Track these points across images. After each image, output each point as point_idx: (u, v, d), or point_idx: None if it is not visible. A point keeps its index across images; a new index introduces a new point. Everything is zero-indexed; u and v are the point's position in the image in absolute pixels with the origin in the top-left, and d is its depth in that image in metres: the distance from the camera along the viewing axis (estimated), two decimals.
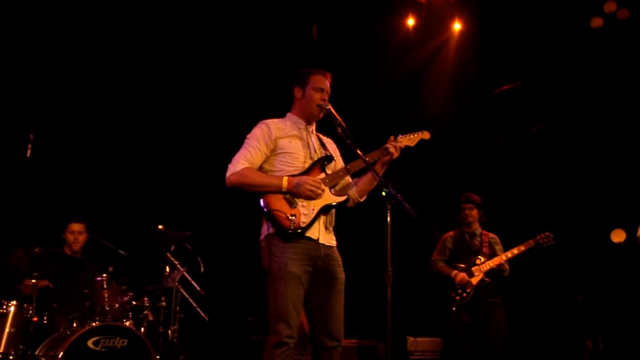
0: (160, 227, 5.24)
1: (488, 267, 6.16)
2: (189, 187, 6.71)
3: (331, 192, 3.84)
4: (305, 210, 3.69)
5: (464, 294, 6.15)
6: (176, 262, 5.34)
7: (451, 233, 6.64)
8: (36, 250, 4.70)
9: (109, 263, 5.43)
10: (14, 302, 4.70)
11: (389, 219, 3.47)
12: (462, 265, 6.29)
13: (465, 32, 8.23)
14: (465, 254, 6.38)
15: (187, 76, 7.13)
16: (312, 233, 3.72)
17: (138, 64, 6.85)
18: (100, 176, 6.66)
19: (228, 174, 3.77)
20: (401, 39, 8.37)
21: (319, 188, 3.71)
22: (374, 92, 8.39)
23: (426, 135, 4.18)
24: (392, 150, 3.93)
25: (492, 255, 6.30)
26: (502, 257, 6.17)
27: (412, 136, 4.12)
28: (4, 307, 4.68)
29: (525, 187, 8.01)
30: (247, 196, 3.73)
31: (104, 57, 6.58)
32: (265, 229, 3.73)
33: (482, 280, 6.14)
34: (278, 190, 3.70)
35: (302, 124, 4.03)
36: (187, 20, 6.98)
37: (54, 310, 5.07)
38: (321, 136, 4.16)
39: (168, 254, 5.34)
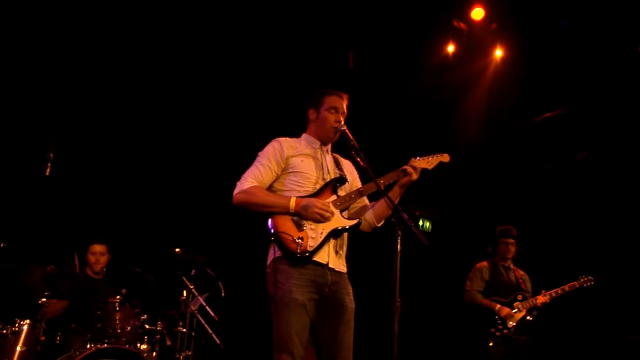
0: (177, 250, 5.15)
1: (532, 304, 6.08)
2: (209, 210, 6.61)
3: (342, 215, 3.65)
4: (314, 234, 3.52)
5: (505, 330, 5.98)
6: (191, 287, 5.23)
7: (485, 264, 6.45)
8: (49, 269, 4.66)
9: (132, 286, 5.37)
10: (28, 321, 4.65)
11: (399, 246, 3.24)
12: (501, 300, 6.13)
13: (506, 59, 8.00)
14: (504, 289, 6.24)
15: (214, 100, 7.08)
16: (320, 257, 3.54)
17: (161, 86, 6.83)
18: (119, 197, 6.64)
19: (235, 191, 3.64)
20: (440, 65, 8.19)
21: (327, 211, 3.53)
22: (411, 119, 8.22)
23: (446, 158, 3.96)
24: (410, 171, 3.73)
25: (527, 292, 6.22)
26: (546, 297, 6.10)
27: (430, 158, 3.91)
28: (17, 325, 4.63)
29: (566, 219, 7.68)
30: (258, 218, 3.60)
31: (127, 78, 6.59)
32: (272, 253, 3.57)
33: (524, 317, 6.04)
34: (285, 212, 3.53)
35: (317, 143, 3.88)
36: (220, 44, 6.96)
37: (71, 330, 5.02)
38: (338, 157, 4.00)
39: (184, 278, 5.24)
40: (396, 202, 3.70)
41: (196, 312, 5.41)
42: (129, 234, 6.35)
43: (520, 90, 7.87)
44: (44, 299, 4.61)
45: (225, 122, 7.09)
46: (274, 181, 3.74)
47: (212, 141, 7.02)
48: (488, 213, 8.06)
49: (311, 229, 3.53)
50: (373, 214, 3.82)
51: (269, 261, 3.61)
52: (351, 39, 7.78)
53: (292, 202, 3.54)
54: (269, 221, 3.55)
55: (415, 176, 3.74)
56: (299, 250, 3.45)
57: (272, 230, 3.51)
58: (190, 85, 6.94)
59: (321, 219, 3.52)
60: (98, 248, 5.71)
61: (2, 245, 4.52)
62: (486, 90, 8.19)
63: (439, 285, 7.73)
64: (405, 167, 3.76)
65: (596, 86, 7.47)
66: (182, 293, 5.29)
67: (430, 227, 9.33)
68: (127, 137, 6.78)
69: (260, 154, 3.78)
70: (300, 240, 3.47)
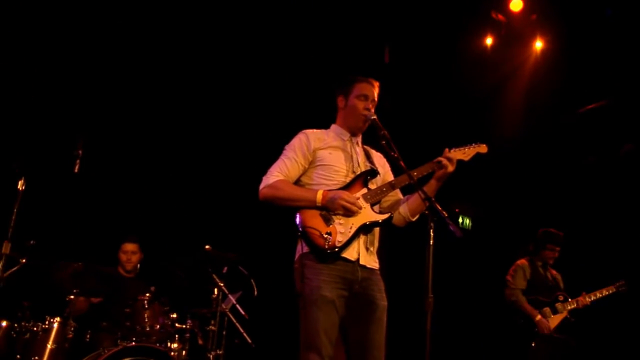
0: (207, 247, 5.06)
1: (573, 306, 6.09)
2: (241, 206, 6.50)
3: (373, 209, 3.50)
4: (343, 229, 3.36)
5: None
6: (221, 284, 5.14)
7: (525, 262, 6.36)
8: (77, 265, 4.62)
9: (163, 284, 5.33)
10: (58, 319, 4.62)
11: (431, 239, 3.05)
12: (543, 299, 6.09)
13: (547, 50, 7.77)
14: (544, 288, 6.20)
15: (245, 95, 7.01)
16: (349, 254, 3.39)
17: (189, 82, 6.79)
18: (149, 194, 6.60)
19: (261, 186, 3.51)
20: (479, 58, 8.01)
21: (354, 204, 3.37)
22: (450, 114, 8.04)
23: (483, 148, 3.75)
24: (445, 163, 3.53)
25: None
26: (587, 299, 6.12)
27: (466, 149, 3.71)
28: (47, 323, 4.60)
29: (609, 215, 7.40)
30: (289, 213, 3.47)
31: (157, 73, 6.56)
32: (300, 249, 3.43)
33: (566, 318, 6.04)
34: (312, 205, 3.39)
35: (347, 135, 3.72)
36: (251, 45, 6.90)
37: (102, 328, 4.98)
38: (369, 149, 3.83)
39: (214, 276, 5.15)
40: (433, 196, 3.50)
41: (227, 310, 5.31)
42: (160, 232, 6.31)
43: (562, 82, 7.66)
44: (71, 296, 4.57)
45: (255, 116, 7.01)
46: (302, 175, 3.60)
47: (241, 136, 6.94)
48: (529, 209, 7.85)
49: (340, 223, 3.38)
50: (407, 208, 3.64)
51: (296, 257, 3.48)
52: (387, 33, 7.69)
53: (319, 195, 3.39)
54: (297, 216, 3.42)
55: (451, 168, 3.55)
56: (327, 246, 3.31)
57: (299, 226, 3.38)
58: (221, 80, 6.88)
59: (348, 211, 3.37)
60: (130, 247, 5.69)
61: (32, 242, 4.50)
62: (526, 83, 8.02)
63: (478, 282, 7.51)
64: (439, 158, 3.57)
65: None
66: (214, 291, 5.19)
67: (470, 224, 9.14)
68: (157, 133, 6.75)
69: (286, 147, 3.65)
70: (328, 236, 3.32)
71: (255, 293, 5.45)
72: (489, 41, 7.89)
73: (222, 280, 5.22)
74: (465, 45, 7.85)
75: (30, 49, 5.75)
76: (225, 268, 5.41)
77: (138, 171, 6.60)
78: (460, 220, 9.10)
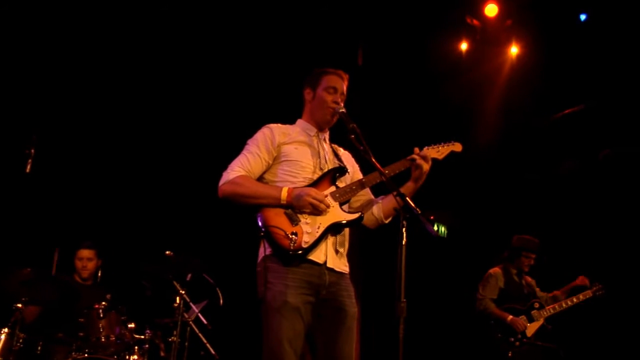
0: (168, 252, 4.78)
1: (549, 312, 5.98)
2: (203, 207, 6.23)
3: (342, 208, 3.26)
4: (309, 229, 3.12)
5: (524, 339, 5.83)
6: (182, 292, 4.85)
7: (498, 270, 6.25)
8: (26, 271, 4.31)
9: (125, 292, 5.03)
10: (5, 330, 4.29)
11: (404, 238, 2.81)
12: (519, 307, 5.97)
13: (523, 56, 7.71)
14: (519, 296, 6.10)
15: (203, 93, 6.76)
16: (316, 256, 3.14)
17: (147, 79, 6.53)
18: (107, 196, 6.29)
19: (221, 182, 3.26)
20: (454, 62, 7.92)
21: (322, 202, 3.13)
22: (424, 119, 7.92)
23: (458, 147, 3.58)
24: (419, 161, 3.33)
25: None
26: (563, 304, 6.04)
27: (440, 148, 3.53)
28: None
29: (586, 221, 7.30)
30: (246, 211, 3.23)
31: (113, 69, 6.29)
32: (262, 251, 3.17)
33: (543, 326, 5.94)
34: (277, 203, 3.15)
35: (313, 130, 3.49)
36: (226, 42, 6.67)
37: (55, 340, 4.66)
38: (337, 147, 3.60)
39: (175, 283, 4.86)
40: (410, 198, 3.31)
41: (191, 321, 5.02)
42: (118, 236, 5.99)
43: (538, 87, 7.61)
44: (19, 304, 4.25)
45: (221, 114, 6.76)
46: (265, 172, 3.36)
47: (204, 132, 6.68)
48: (506, 216, 7.72)
49: (307, 223, 3.14)
50: (381, 209, 3.42)
51: (259, 259, 3.22)
52: (361, 35, 7.56)
53: (284, 193, 3.15)
54: (259, 215, 3.16)
55: (426, 166, 3.35)
56: (292, 247, 3.06)
57: (262, 225, 3.13)
58: (179, 78, 6.63)
59: (316, 210, 3.13)
60: (85, 253, 5.38)
61: None
62: (502, 88, 7.95)
63: (454, 291, 7.35)
64: (413, 155, 3.36)
65: (619, 79, 7.11)
66: (176, 300, 4.89)
67: (445, 232, 9.00)
68: (114, 131, 6.45)
69: (249, 141, 3.40)
70: (293, 236, 3.07)
71: (221, 302, 5.17)
72: (464, 46, 7.86)
73: (185, 288, 4.92)
74: (440, 50, 7.79)
75: None
76: (190, 275, 5.12)
77: (95, 171, 6.28)
78: (435, 228, 8.95)
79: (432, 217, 8.86)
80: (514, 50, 7.70)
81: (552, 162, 7.77)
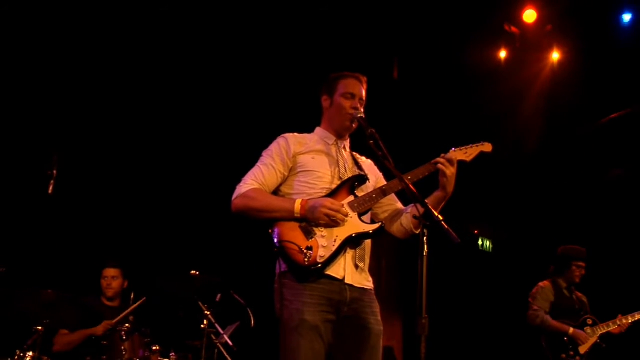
0: (193, 272, 4.66)
1: (604, 330, 5.67)
2: (229, 225, 6.13)
3: (361, 219, 3.05)
4: (325, 242, 2.92)
5: (577, 357, 5.52)
6: (207, 312, 4.70)
7: (548, 284, 5.91)
8: (47, 293, 4.23)
9: (151, 315, 4.93)
10: (30, 354, 4.20)
11: (425, 247, 2.60)
12: (571, 323, 5.66)
13: (564, 61, 7.45)
14: (570, 312, 5.77)
15: (230, 115, 6.68)
16: (334, 271, 2.94)
17: (172, 100, 6.51)
18: (129, 215, 6.22)
19: (234, 196, 3.10)
20: (492, 72, 7.72)
21: (339, 212, 2.94)
22: (464, 131, 7.69)
23: (487, 147, 3.30)
24: (440, 165, 3.09)
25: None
26: (618, 322, 5.68)
27: (468, 149, 3.26)
28: (17, 357, 4.18)
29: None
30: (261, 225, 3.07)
31: (136, 90, 6.28)
32: (278, 267, 3.00)
33: (597, 344, 5.61)
34: (291, 217, 2.96)
35: (332, 138, 3.30)
36: (260, 59, 6.60)
37: None
38: (358, 156, 3.40)
39: (200, 303, 4.73)
40: (438, 209, 3.08)
41: (219, 343, 4.87)
42: (142, 256, 5.91)
43: (582, 92, 7.33)
44: (39, 327, 4.18)
45: (246, 132, 6.68)
46: (282, 184, 3.19)
47: (228, 153, 6.59)
48: (553, 228, 7.40)
49: (323, 236, 2.94)
50: (410, 219, 3.18)
51: (276, 276, 3.05)
52: (396, 47, 7.40)
53: (297, 205, 2.97)
54: (274, 230, 2.98)
55: (450, 170, 3.09)
56: (307, 263, 2.87)
57: (276, 241, 2.95)
58: (201, 98, 6.59)
59: (331, 221, 2.94)
60: (110, 272, 5.29)
61: (1, 269, 4.15)
62: (544, 95, 7.71)
63: (496, 307, 7.05)
64: (437, 159, 3.13)
65: None
66: (203, 321, 4.77)
67: (491, 246, 8.72)
68: (135, 150, 6.42)
69: (263, 152, 3.24)
70: (308, 251, 2.89)
71: (253, 323, 5.02)
72: (502, 54, 7.63)
73: (213, 309, 4.79)
74: (478, 59, 7.60)
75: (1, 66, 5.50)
76: (219, 295, 5.00)
77: (117, 191, 6.24)
78: (480, 242, 8.68)
79: (475, 232, 8.60)
80: (555, 55, 7.47)
81: (599, 170, 7.44)
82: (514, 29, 7.45)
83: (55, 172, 4.13)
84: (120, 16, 5.76)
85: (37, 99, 5.69)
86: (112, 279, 5.29)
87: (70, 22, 5.59)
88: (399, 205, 3.35)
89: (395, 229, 3.26)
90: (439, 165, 3.10)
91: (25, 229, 5.32)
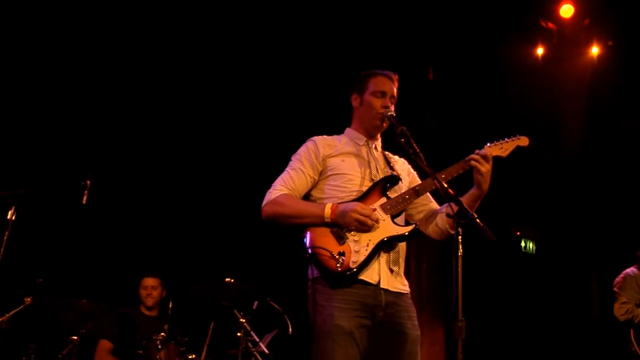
0: (228, 279, 4.61)
1: None
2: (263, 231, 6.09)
3: (394, 221, 2.95)
4: (358, 247, 2.85)
5: None
6: (243, 321, 4.65)
7: (635, 270, 5.46)
8: (83, 303, 4.24)
9: (189, 324, 4.90)
10: None
11: (460, 248, 2.49)
12: None
13: (604, 56, 7.22)
14: None
15: (269, 122, 6.65)
16: (368, 276, 2.85)
17: (204, 108, 6.49)
18: (165, 225, 6.22)
19: (264, 203, 3.04)
20: (530, 70, 7.53)
21: (369, 217, 2.85)
22: (502, 131, 7.50)
23: (524, 141, 3.18)
24: (476, 162, 2.97)
25: None
26: None
27: (504, 144, 3.15)
28: None
29: None
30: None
31: (170, 103, 6.29)
32: (310, 273, 2.94)
33: None
34: (321, 222, 2.89)
35: (362, 139, 3.22)
36: (291, 62, 6.56)
37: None
38: (390, 155, 3.31)
39: (235, 311, 4.68)
40: (474, 208, 2.98)
41: (256, 352, 4.81)
42: (180, 265, 5.90)
43: (624, 87, 7.04)
44: (74, 337, 4.19)
45: (281, 141, 6.66)
46: (312, 188, 3.12)
47: (261, 158, 6.56)
48: (598, 230, 7.17)
49: (355, 241, 2.86)
50: (446, 218, 3.07)
51: (308, 282, 2.98)
52: (431, 48, 7.30)
53: (327, 210, 2.89)
54: (305, 235, 2.91)
55: (485, 167, 2.97)
56: (339, 269, 2.79)
57: (308, 247, 2.87)
58: (232, 105, 6.55)
59: (362, 226, 2.85)
60: (150, 281, 5.31)
61: (39, 280, 4.18)
62: (584, 91, 7.43)
63: (538, 310, 6.85)
64: (471, 156, 3.02)
65: None
66: (240, 329, 4.71)
67: (534, 248, 8.51)
68: (170, 160, 6.41)
69: (292, 157, 3.18)
70: (340, 256, 2.81)
71: (290, 331, 4.94)
72: (540, 51, 7.42)
73: (250, 316, 4.73)
74: (514, 58, 7.40)
75: (38, 78, 5.55)
76: (256, 303, 4.94)
77: (151, 201, 6.24)
78: (522, 244, 8.47)
79: (518, 234, 8.40)
80: (594, 50, 7.24)
81: None
82: (550, 24, 7.22)
83: (89, 182, 4.14)
84: (151, 32, 5.79)
85: (69, 108, 5.74)
86: (152, 288, 5.30)
87: (102, 38, 5.64)
88: (434, 205, 3.25)
89: (431, 229, 3.17)
90: (473, 162, 3.00)
91: (60, 239, 5.36)
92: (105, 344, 4.96)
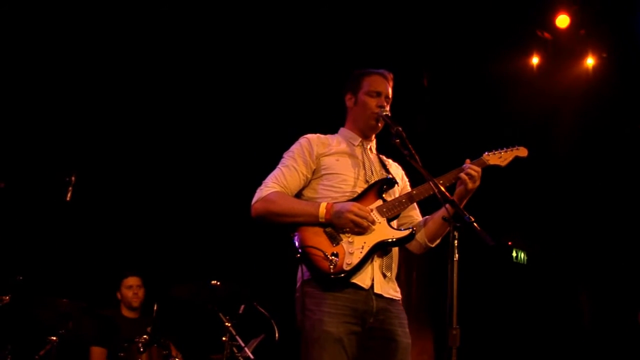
0: (214, 282, 4.49)
1: None
2: (251, 233, 5.98)
3: (390, 224, 2.87)
4: (352, 248, 2.74)
5: None
6: (228, 324, 4.53)
7: None
8: (63, 302, 4.11)
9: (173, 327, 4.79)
10: None
11: (456, 253, 2.38)
12: None
13: (599, 66, 7.23)
14: None
15: (247, 121, 6.55)
16: (361, 280, 2.75)
17: (190, 107, 6.39)
18: (150, 224, 6.09)
19: (254, 200, 2.93)
20: (525, 79, 7.51)
21: (367, 218, 2.76)
22: (496, 139, 7.46)
23: (523, 152, 3.14)
24: (465, 178, 2.89)
25: None
26: None
27: (503, 153, 3.10)
28: None
29: None
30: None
31: (153, 100, 6.17)
32: (300, 275, 2.82)
33: None
34: (315, 221, 2.79)
35: (357, 139, 3.13)
36: (284, 61, 6.48)
37: None
38: (384, 158, 3.22)
39: (220, 315, 4.56)
40: (462, 206, 2.88)
41: (241, 357, 4.69)
42: (163, 266, 5.77)
43: (619, 97, 7.02)
44: (53, 337, 4.05)
45: (265, 141, 6.59)
46: (305, 188, 3.02)
47: (250, 156, 6.47)
48: (590, 240, 7.14)
49: (349, 242, 2.76)
50: (425, 232, 3.02)
51: (297, 285, 2.87)
52: (426, 55, 7.25)
53: (322, 209, 2.79)
54: (296, 235, 2.81)
55: (470, 184, 2.90)
56: (332, 270, 2.69)
57: (299, 246, 2.77)
58: (223, 104, 6.45)
59: (357, 227, 2.76)
60: (134, 281, 5.14)
61: (19, 278, 4.05)
62: (580, 102, 7.43)
63: (531, 320, 6.81)
64: (468, 170, 2.93)
65: None
66: (225, 334, 4.59)
67: (525, 258, 8.46)
68: (154, 157, 6.29)
69: (284, 154, 3.08)
70: (334, 257, 2.71)
71: (277, 336, 4.83)
72: (535, 60, 7.42)
73: (234, 321, 4.62)
74: (509, 66, 7.39)
75: (21, 72, 5.42)
76: (242, 307, 4.82)
77: (135, 199, 6.09)
78: (514, 254, 8.43)
79: (509, 243, 8.36)
80: (589, 61, 7.23)
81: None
82: (546, 34, 7.24)
83: (74, 178, 4.03)
84: (144, 29, 5.68)
85: (54, 105, 5.60)
86: (138, 287, 5.14)
87: (90, 35, 5.52)
88: (417, 216, 3.16)
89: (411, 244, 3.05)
90: (463, 177, 2.90)
91: (42, 236, 5.23)
92: (97, 351, 4.79)
